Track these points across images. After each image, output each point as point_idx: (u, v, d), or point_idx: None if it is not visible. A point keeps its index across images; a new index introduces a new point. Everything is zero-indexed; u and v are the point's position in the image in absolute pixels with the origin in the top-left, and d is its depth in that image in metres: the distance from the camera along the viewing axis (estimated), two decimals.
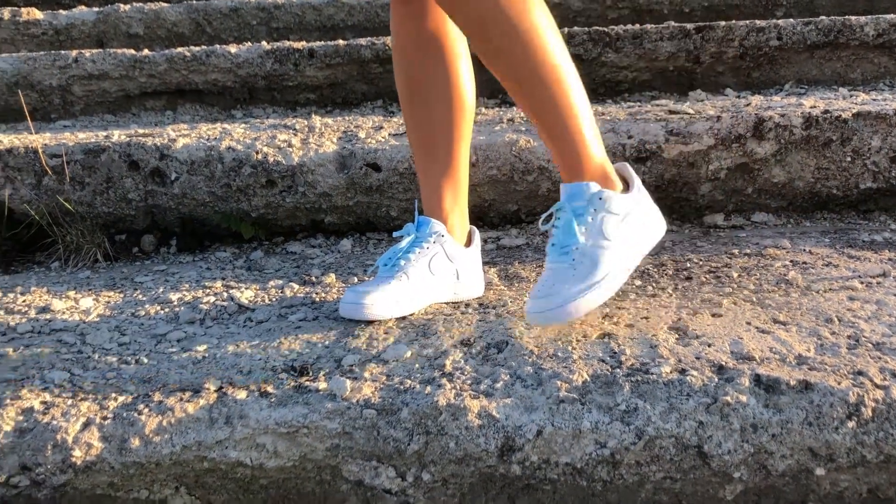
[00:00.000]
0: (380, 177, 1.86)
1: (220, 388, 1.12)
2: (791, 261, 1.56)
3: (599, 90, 2.66)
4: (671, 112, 1.98)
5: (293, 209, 1.89)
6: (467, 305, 1.38)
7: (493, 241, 1.82)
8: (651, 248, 1.29)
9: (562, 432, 1.01)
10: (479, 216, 1.95)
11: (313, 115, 2.29)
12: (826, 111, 1.84)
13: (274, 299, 1.48)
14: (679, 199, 1.92)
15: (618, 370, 1.09)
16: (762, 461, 1.01)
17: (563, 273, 1.18)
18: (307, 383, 1.12)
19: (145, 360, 1.22)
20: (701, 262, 1.58)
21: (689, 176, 1.88)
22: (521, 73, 1.18)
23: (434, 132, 1.37)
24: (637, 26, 2.58)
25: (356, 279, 1.59)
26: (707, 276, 1.49)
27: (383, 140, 1.90)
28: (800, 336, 1.18)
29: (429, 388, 1.07)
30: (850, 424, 1.00)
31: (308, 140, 1.91)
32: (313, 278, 1.60)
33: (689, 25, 2.53)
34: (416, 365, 1.15)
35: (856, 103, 1.99)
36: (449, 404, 1.03)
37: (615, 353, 1.14)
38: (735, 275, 1.48)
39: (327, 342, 1.25)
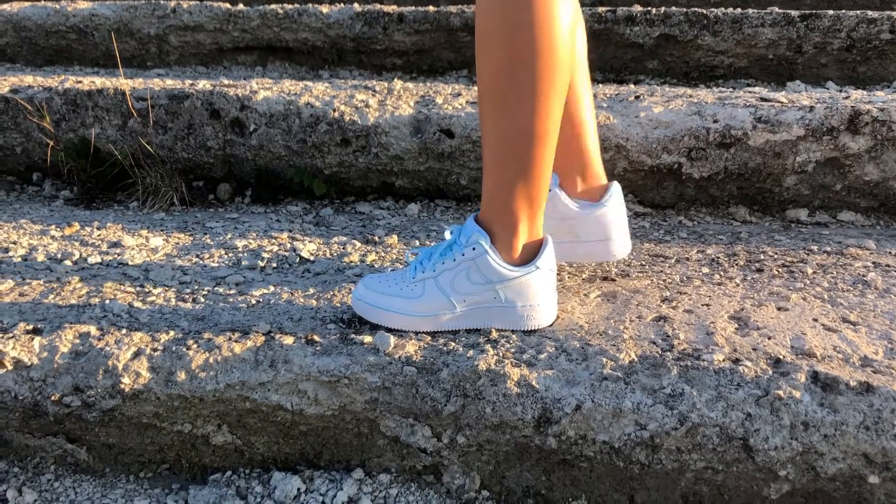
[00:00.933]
0: (452, 143, 1.85)
1: (269, 332, 1.13)
2: (873, 262, 1.48)
3: (692, 74, 2.57)
4: (762, 99, 1.89)
5: (365, 169, 1.90)
6: None
7: None
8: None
9: (601, 409, 0.98)
10: None
11: (395, 80, 2.29)
12: None
13: (335, 254, 1.49)
14: (762, 189, 1.84)
15: (668, 353, 1.05)
16: (811, 462, 0.97)
17: (399, 280, 1.17)
18: (353, 335, 1.12)
19: (202, 300, 1.25)
20: (776, 256, 1.51)
21: (775, 166, 1.80)
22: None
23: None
24: (738, 10, 2.48)
25: (418, 242, 1.59)
26: (779, 269, 1.43)
27: (460, 107, 1.88)
28: (869, 338, 1.11)
29: (471, 353, 1.06)
30: None
31: (385, 102, 1.91)
32: (376, 238, 1.61)
33: (794, 13, 2.41)
34: (462, 329, 1.14)
35: None
36: (489, 369, 1.02)
37: (668, 336, 1.11)
38: (810, 271, 1.41)
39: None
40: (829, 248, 1.57)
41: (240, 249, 1.51)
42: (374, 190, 1.97)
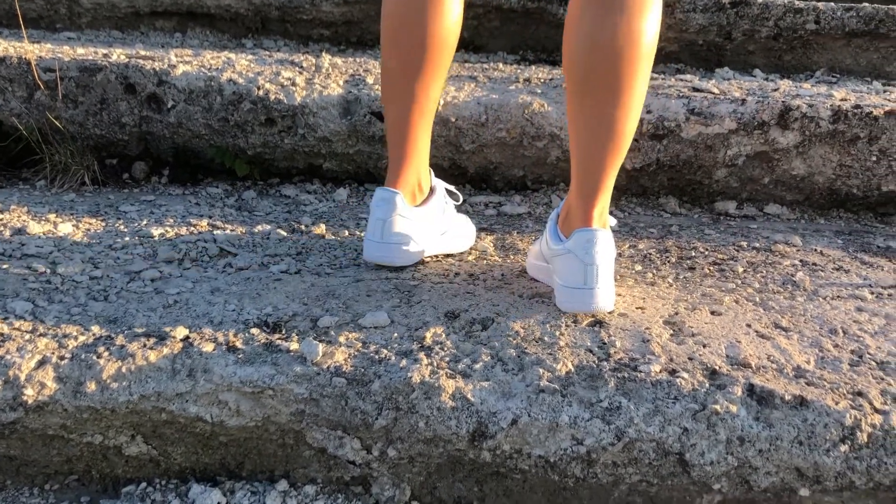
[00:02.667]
0: (384, 127, 1.78)
1: (187, 337, 1.06)
2: (801, 260, 1.50)
3: None
4: (695, 89, 1.89)
5: (291, 151, 1.82)
6: (457, 274, 1.32)
7: (494, 207, 1.75)
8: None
9: (538, 424, 0.96)
10: (483, 178, 1.89)
11: (323, 54, 2.20)
12: (857, 106, 1.75)
13: (258, 245, 1.42)
14: (692, 181, 1.84)
15: (605, 363, 1.03)
16: (745, 476, 0.96)
17: None
18: (278, 342, 1.06)
19: (114, 298, 1.17)
20: (706, 252, 1.51)
21: (706, 159, 1.80)
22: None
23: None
24: None
25: (347, 233, 1.53)
26: (711, 267, 1.42)
27: None
28: (801, 345, 1.12)
29: (404, 362, 1.02)
30: (843, 448, 0.94)
31: (313, 80, 1.83)
32: (303, 226, 1.54)
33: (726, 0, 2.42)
34: (395, 334, 1.09)
35: (889, 100, 1.90)
36: (423, 382, 0.98)
37: (604, 343, 1.08)
38: (740, 269, 1.42)
39: (306, 299, 1.19)
40: (757, 245, 1.58)
41: (156, 239, 1.43)
42: (299, 171, 1.90)
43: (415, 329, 1.11)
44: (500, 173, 1.87)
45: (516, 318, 1.15)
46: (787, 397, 0.97)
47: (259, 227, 1.52)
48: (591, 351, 1.06)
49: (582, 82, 1.12)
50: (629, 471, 0.97)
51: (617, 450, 0.95)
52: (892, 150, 1.76)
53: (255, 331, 1.09)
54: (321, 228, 1.53)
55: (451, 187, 1.46)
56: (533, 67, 2.22)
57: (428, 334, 1.09)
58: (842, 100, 1.84)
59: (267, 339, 1.07)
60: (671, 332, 1.14)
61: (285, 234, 1.49)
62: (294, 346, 1.05)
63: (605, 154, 1.12)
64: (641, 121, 1.77)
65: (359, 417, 0.99)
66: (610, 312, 1.18)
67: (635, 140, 1.78)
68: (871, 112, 1.74)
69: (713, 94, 1.85)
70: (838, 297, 1.31)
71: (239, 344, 1.05)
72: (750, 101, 1.76)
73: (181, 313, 1.13)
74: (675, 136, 1.77)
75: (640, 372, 1.01)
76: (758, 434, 0.95)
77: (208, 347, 1.04)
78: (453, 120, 1.78)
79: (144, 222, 1.51)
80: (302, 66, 1.93)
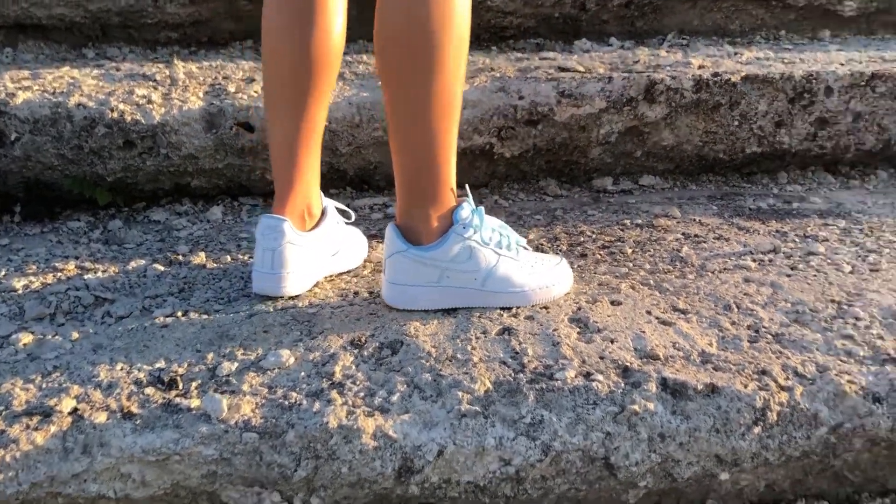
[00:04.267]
0: (253, 138, 1.70)
1: (75, 409, 0.97)
2: (683, 233, 1.54)
3: (483, 36, 2.54)
4: (561, 69, 1.90)
5: (155, 173, 1.71)
6: (356, 294, 1.27)
7: (380, 209, 1.71)
8: None
9: (464, 451, 0.94)
10: (364, 180, 1.84)
11: (175, 61, 2.07)
12: (716, 73, 1.81)
13: (136, 286, 1.32)
14: (569, 162, 1.86)
15: (521, 375, 1.02)
16: (668, 469, 0.98)
17: None
18: (177, 400, 0.99)
19: None
20: (594, 236, 1.53)
21: (581, 139, 1.82)
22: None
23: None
24: None
25: (229, 258, 1.45)
26: (601, 252, 1.44)
27: (256, 95, 1.73)
28: (701, 327, 1.15)
29: (317, 405, 0.97)
30: (756, 430, 0.98)
31: (170, 95, 1.72)
32: (180, 257, 1.45)
33: None
34: (302, 373, 1.04)
35: (741, 62, 1.98)
36: (341, 426, 0.94)
37: (517, 353, 1.07)
38: (629, 251, 1.44)
39: (199, 345, 1.12)
40: (640, 221, 1.61)
41: (20, 292, 1.30)
42: (167, 193, 1.79)
43: (322, 364, 1.06)
44: (381, 172, 1.83)
45: (425, 337, 1.12)
46: (700, 387, 0.99)
47: (133, 264, 1.42)
48: (505, 363, 1.05)
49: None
50: (558, 482, 0.97)
51: (545, 465, 0.95)
52: (751, 113, 1.83)
53: (149, 390, 1.01)
54: (200, 257, 1.44)
55: (342, 206, 1.41)
56: None
57: (336, 368, 1.05)
58: (700, 67, 1.90)
59: (164, 398, 1.00)
60: (578, 329, 1.14)
61: (163, 268, 1.40)
62: (195, 402, 0.98)
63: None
64: (515, 108, 1.77)
65: (276, 471, 0.94)
66: (515, 316, 1.17)
67: (511, 128, 1.78)
68: (730, 79, 1.80)
69: (580, 72, 1.87)
70: (725, 269, 1.35)
71: (134, 409, 0.98)
72: (616, 79, 1.79)
73: (64, 380, 1.03)
74: (549, 119, 1.78)
75: (557, 380, 1.01)
76: (677, 428, 0.97)
77: (101, 418, 0.96)
78: (326, 123, 1.71)
79: (2, 273, 1.38)
80: (156, 80, 1.81)
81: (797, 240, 1.50)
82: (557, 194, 1.83)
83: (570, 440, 0.95)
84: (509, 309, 1.19)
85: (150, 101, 1.68)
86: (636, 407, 0.96)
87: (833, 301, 1.22)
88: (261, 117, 1.68)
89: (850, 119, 1.87)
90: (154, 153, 1.68)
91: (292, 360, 1.07)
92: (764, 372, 1.03)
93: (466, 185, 1.30)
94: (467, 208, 1.15)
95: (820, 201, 1.76)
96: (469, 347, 1.09)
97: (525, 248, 1.22)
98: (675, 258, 1.41)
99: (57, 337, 1.15)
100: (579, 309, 1.20)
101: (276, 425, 0.95)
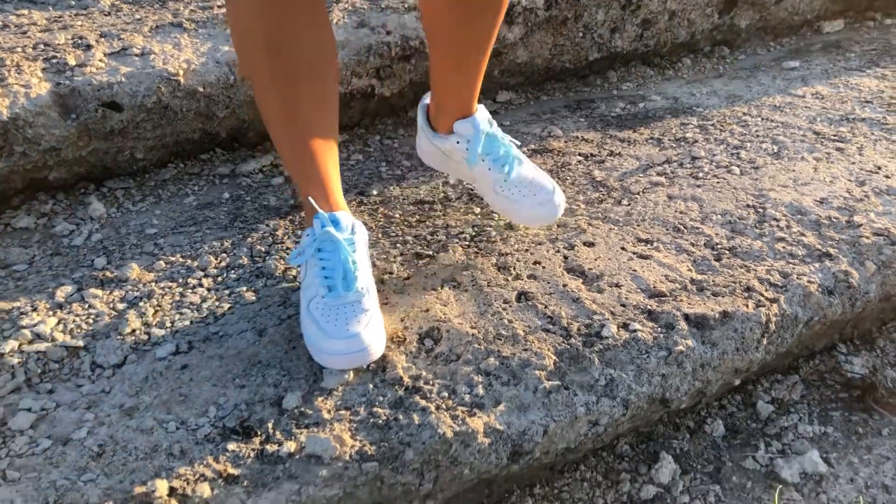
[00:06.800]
0: (122, 118, 1.51)
1: (173, 489, 0.90)
2: (579, 154, 1.67)
3: None
4: None
5: (8, 173, 1.47)
6: None
7: (270, 172, 1.63)
8: None
9: (561, 424, 1.02)
10: (236, 138, 1.72)
11: None
12: None
13: (97, 321, 1.18)
14: None
15: (573, 340, 1.11)
16: (703, 389, 1.14)
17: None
18: (268, 448, 0.95)
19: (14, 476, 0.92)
20: None
21: None
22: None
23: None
24: None
25: (163, 263, 1.33)
26: None
27: (109, 67, 1.52)
28: (674, 255, 1.30)
29: (415, 415, 0.99)
30: (765, 342, 1.16)
31: (6, 81, 1.46)
32: (109, 274, 1.30)
33: None
34: (369, 385, 1.04)
35: None
36: (456, 432, 0.97)
37: (551, 317, 1.15)
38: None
39: (236, 380, 1.05)
40: (533, 145, 1.71)
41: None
42: (18, 191, 1.55)
43: (381, 371, 1.06)
44: (254, 128, 1.72)
45: (456, 318, 1.15)
46: (716, 316, 1.15)
47: (60, 293, 1.25)
48: (548, 330, 1.13)
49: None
50: (626, 426, 1.09)
51: (626, 418, 1.06)
52: (592, 23, 1.97)
53: (231, 446, 0.95)
54: (135, 270, 1.30)
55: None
56: None
57: (399, 373, 1.05)
58: None
59: (252, 449, 0.95)
60: (581, 280, 1.24)
61: (100, 292, 1.25)
62: (291, 445, 0.95)
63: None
64: (388, 45, 1.74)
65: (399, 490, 0.96)
66: (518, 277, 1.24)
67: (388, 66, 1.75)
68: None
69: None
70: (644, 190, 1.51)
71: (231, 469, 0.92)
72: None
73: (127, 460, 0.94)
74: (421, 53, 1.78)
75: (606, 338, 1.11)
76: (711, 356, 1.12)
77: (206, 490, 0.90)
78: (201, 90, 1.57)
79: None
80: None
81: (674, 145, 1.69)
82: None
83: (640, 390, 1.07)
84: (508, 270, 1.25)
85: None
86: (680, 347, 1.10)
87: (748, 206, 1.43)
88: (128, 93, 1.50)
89: (667, 17, 2.08)
90: (6, 153, 1.44)
91: (350, 374, 1.05)
92: (749, 289, 1.21)
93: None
94: (469, 127, 1.28)
95: (658, 98, 1.97)
96: (506, 321, 1.14)
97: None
98: (594, 183, 1.54)
99: (60, 409, 1.02)
100: (566, 259, 1.29)
101: (391, 448, 0.95)
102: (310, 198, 1.13)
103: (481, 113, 1.28)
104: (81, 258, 1.36)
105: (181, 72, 1.54)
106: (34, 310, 1.21)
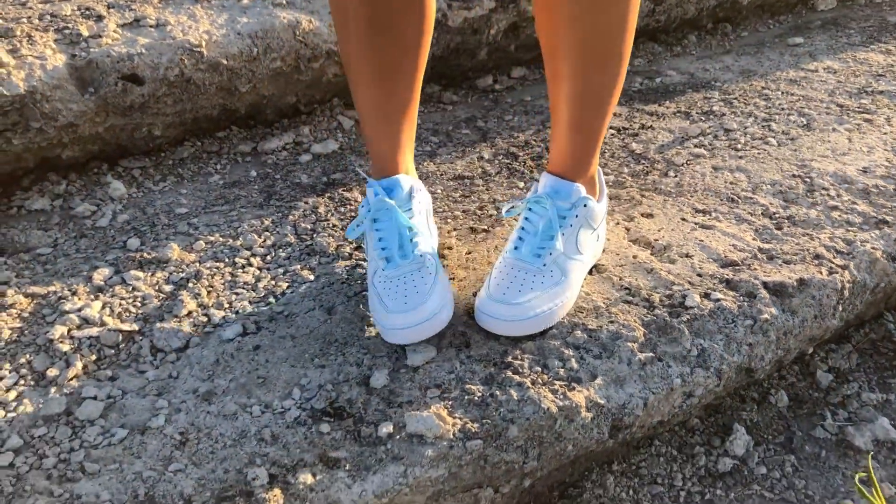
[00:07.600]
0: (144, 91, 1.43)
1: (273, 476, 0.84)
2: (611, 127, 1.64)
3: None
4: None
5: (21, 151, 1.38)
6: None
7: (294, 150, 1.57)
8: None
9: (659, 396, 0.99)
10: (252, 115, 1.65)
11: None
12: None
13: (145, 303, 1.11)
14: (456, 65, 1.83)
15: (658, 311, 1.07)
16: (781, 357, 1.12)
17: (534, 278, 1.03)
18: (364, 429, 0.90)
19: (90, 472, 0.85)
20: (541, 144, 1.57)
21: (472, 42, 1.79)
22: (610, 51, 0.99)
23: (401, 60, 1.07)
24: None
25: (202, 243, 1.25)
26: None
27: (125, 39, 1.44)
28: (736, 226, 1.28)
29: (512, 391, 0.94)
30: (840, 309, 1.15)
31: (19, 51, 1.36)
32: (145, 255, 1.22)
33: None
34: (456, 363, 0.99)
35: None
36: (560, 407, 0.93)
37: (628, 288, 1.12)
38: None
39: (315, 359, 0.99)
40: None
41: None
42: (28, 171, 1.45)
43: (464, 347, 1.01)
44: (273, 105, 1.65)
45: None
46: (794, 283, 1.13)
47: (97, 276, 1.17)
48: (630, 302, 1.09)
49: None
50: (711, 395, 1.07)
51: (720, 388, 1.04)
52: None
53: (324, 428, 0.90)
54: (175, 250, 1.23)
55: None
56: None
57: (485, 349, 1.01)
58: None
59: (347, 431, 0.89)
60: (650, 252, 1.21)
61: (142, 275, 1.18)
62: (387, 427, 0.90)
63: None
64: None
65: (502, 469, 0.91)
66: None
67: None
68: None
69: None
70: (688, 162, 1.49)
71: (331, 453, 0.87)
72: None
73: (215, 448, 0.87)
74: (443, 26, 1.73)
75: (692, 308, 1.08)
76: (792, 324, 1.10)
77: (307, 478, 0.84)
78: (224, 62, 1.49)
79: None
80: None
81: (703, 118, 1.67)
82: (453, 101, 1.81)
83: (731, 359, 1.04)
84: None
85: (1, 65, 1.31)
86: (766, 316, 1.08)
87: (795, 176, 1.42)
88: (149, 65, 1.41)
89: None
90: (20, 128, 1.34)
91: (434, 350, 1.00)
92: (818, 256, 1.20)
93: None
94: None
95: (673, 73, 1.96)
96: (583, 293, 1.11)
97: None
98: (634, 156, 1.51)
99: (129, 396, 0.94)
100: (628, 231, 1.26)
101: (494, 425, 0.91)
102: (366, 170, 1.08)
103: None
104: (110, 240, 1.27)
105: (203, 43, 1.46)
106: (73, 294, 1.13)
